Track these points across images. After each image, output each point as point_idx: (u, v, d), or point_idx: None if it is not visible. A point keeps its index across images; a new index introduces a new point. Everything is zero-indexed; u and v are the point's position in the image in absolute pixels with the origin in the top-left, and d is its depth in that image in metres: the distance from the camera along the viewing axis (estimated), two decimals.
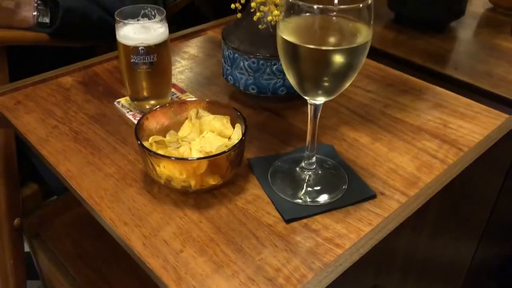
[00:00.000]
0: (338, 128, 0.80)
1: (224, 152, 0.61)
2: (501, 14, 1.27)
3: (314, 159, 0.68)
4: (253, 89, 0.82)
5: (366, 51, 0.56)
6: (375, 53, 0.99)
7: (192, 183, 0.63)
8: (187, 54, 1.04)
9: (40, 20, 1.03)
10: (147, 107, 0.82)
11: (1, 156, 0.96)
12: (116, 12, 0.76)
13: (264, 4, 0.55)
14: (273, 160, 0.72)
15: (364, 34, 0.55)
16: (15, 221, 1.02)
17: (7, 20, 0.99)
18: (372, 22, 0.55)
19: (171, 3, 1.81)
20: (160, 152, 0.65)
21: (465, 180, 0.75)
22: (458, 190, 0.77)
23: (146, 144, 0.65)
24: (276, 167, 0.71)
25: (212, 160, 0.62)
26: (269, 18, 0.55)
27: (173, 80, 0.92)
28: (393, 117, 0.83)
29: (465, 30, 1.20)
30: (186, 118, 0.72)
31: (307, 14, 0.54)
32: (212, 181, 0.64)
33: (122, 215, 0.63)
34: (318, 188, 0.67)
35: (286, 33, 0.55)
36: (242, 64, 0.81)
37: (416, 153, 0.75)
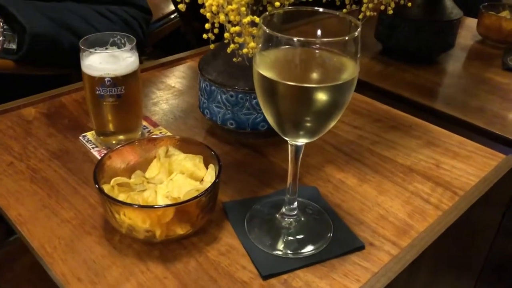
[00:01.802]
0: (322, 168, 0.74)
1: (193, 199, 0.54)
2: (490, 47, 1.23)
3: (295, 204, 0.61)
4: (231, 124, 0.76)
5: (353, 88, 0.51)
6: (362, 86, 0.93)
7: (157, 232, 0.56)
8: (163, 84, 0.97)
9: (6, 46, 0.96)
10: (114, 142, 0.75)
11: None
12: (81, 40, 0.69)
13: (239, 34, 0.49)
14: (251, 204, 0.65)
15: (350, 70, 0.49)
16: None
17: None
18: (359, 56, 0.49)
19: (155, 29, 1.76)
20: (122, 196, 0.58)
21: (460, 223, 0.68)
22: (453, 235, 0.70)
23: (106, 187, 0.58)
24: (253, 212, 0.64)
25: (180, 207, 0.54)
26: (245, 50, 0.49)
27: (146, 113, 0.86)
28: (381, 155, 0.77)
29: (455, 63, 1.16)
30: (153, 154, 0.65)
31: (287, 46, 0.48)
32: (180, 231, 0.57)
33: (76, 269, 0.55)
34: (300, 237, 0.60)
35: (264, 67, 0.49)
36: (219, 97, 0.75)
37: (408, 197, 0.68)
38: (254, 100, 0.73)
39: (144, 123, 0.82)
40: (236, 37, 0.49)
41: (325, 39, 0.47)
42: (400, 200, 0.68)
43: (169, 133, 0.80)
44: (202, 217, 0.58)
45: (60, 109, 0.87)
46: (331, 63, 0.49)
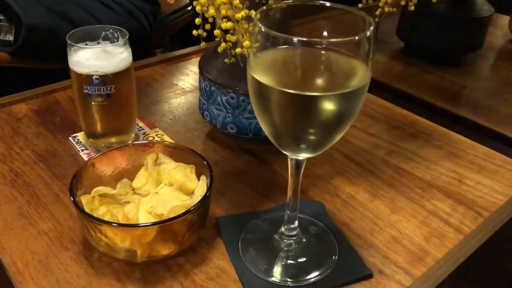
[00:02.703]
0: (330, 180, 0.66)
1: (178, 217, 0.48)
2: None
3: (296, 223, 0.54)
4: (231, 128, 0.69)
5: (363, 97, 0.43)
6: (379, 88, 0.86)
7: (138, 252, 0.49)
8: (165, 82, 0.91)
9: (2, 37, 0.92)
10: (103, 145, 0.69)
11: None
12: (68, 34, 0.63)
13: (229, 32, 0.42)
14: (247, 220, 0.59)
15: (360, 75, 0.42)
16: None
17: None
18: (371, 59, 0.42)
19: (171, 21, 1.70)
20: (102, 209, 0.52)
21: (485, 250, 0.61)
22: (476, 263, 0.62)
23: (85, 198, 0.52)
24: (249, 230, 0.57)
25: (163, 225, 0.48)
26: (238, 50, 0.42)
27: (144, 112, 0.80)
28: (398, 167, 0.69)
29: (483, 64, 1.06)
30: (141, 161, 0.59)
31: (287, 47, 0.41)
32: (164, 251, 0.50)
33: None
34: (301, 261, 0.54)
35: (259, 71, 0.42)
36: (219, 99, 0.68)
37: (425, 217, 0.61)
38: None
39: (140, 123, 0.76)
40: (228, 35, 0.42)
41: (331, 39, 0.40)
42: (416, 221, 0.60)
43: (165, 136, 0.74)
44: (189, 236, 0.51)
45: (53, 106, 0.81)
46: (339, 67, 0.42)
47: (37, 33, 0.91)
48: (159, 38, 1.58)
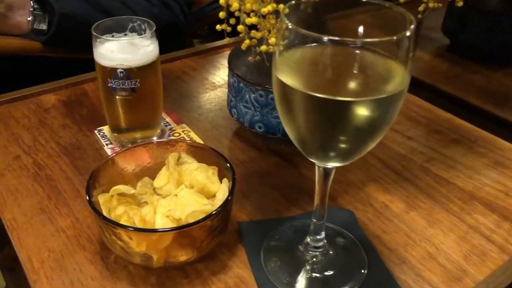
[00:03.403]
0: (363, 187, 0.62)
1: (196, 223, 0.45)
2: None
3: (322, 234, 0.51)
4: (259, 127, 0.66)
5: (401, 103, 0.39)
6: (421, 88, 0.80)
7: (154, 258, 0.47)
8: (196, 75, 0.89)
9: (35, 26, 0.91)
10: (127, 139, 0.67)
11: None
12: (94, 26, 0.62)
13: (256, 28, 0.38)
14: (271, 227, 0.55)
15: (398, 79, 0.38)
16: None
17: None
18: (411, 60, 0.37)
19: (210, 11, 1.68)
20: (120, 209, 0.50)
21: None
22: None
23: (103, 198, 0.50)
24: (273, 238, 0.54)
25: (181, 231, 0.46)
26: (263, 47, 0.38)
27: (172, 107, 0.77)
28: (437, 176, 0.64)
29: None
30: (164, 160, 0.56)
31: (316, 46, 0.37)
32: (181, 257, 0.48)
33: None
34: (327, 275, 0.50)
35: (285, 72, 0.38)
36: (247, 96, 0.65)
37: (465, 232, 0.56)
38: None
39: (167, 118, 0.74)
40: (253, 31, 0.39)
41: (367, 39, 0.36)
42: (455, 236, 0.55)
43: (192, 133, 0.71)
44: (208, 242, 0.49)
45: (81, 97, 0.80)
46: (374, 69, 0.38)
47: (69, 22, 0.90)
48: (197, 28, 1.56)
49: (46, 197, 0.59)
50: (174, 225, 0.47)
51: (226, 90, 0.83)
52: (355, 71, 0.38)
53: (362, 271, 0.50)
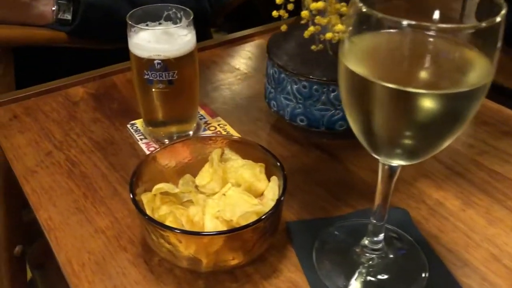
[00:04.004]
0: (415, 183, 0.59)
1: (250, 225, 0.42)
2: None
3: (381, 236, 0.47)
4: (301, 120, 0.62)
5: (482, 99, 0.35)
6: None
7: (203, 261, 0.44)
8: (226, 65, 0.85)
9: (60, 16, 0.88)
10: (163, 133, 0.64)
11: None
12: (128, 14, 0.58)
13: (321, 13, 0.35)
14: (322, 226, 0.52)
15: (481, 71, 0.34)
16: (16, 249, 0.88)
17: (20, 16, 0.85)
18: (497, 51, 0.34)
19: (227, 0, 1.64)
20: (164, 209, 0.47)
21: None
22: None
23: (146, 197, 0.47)
24: (325, 239, 0.51)
25: (232, 234, 0.43)
26: (328, 35, 0.35)
27: (204, 99, 0.74)
28: (491, 170, 0.61)
29: None
30: (206, 156, 0.53)
31: (391, 32, 0.33)
32: (231, 261, 0.45)
33: None
34: (385, 279, 0.47)
35: (354, 60, 0.35)
36: (289, 87, 0.61)
37: None
38: (333, 94, 0.59)
39: (201, 111, 0.71)
40: (318, 17, 0.35)
41: (448, 25, 0.32)
42: None
43: (228, 126, 0.68)
44: (260, 245, 0.46)
45: (111, 90, 0.77)
46: (455, 60, 0.34)
47: (95, 11, 0.87)
48: (216, 17, 1.52)
49: (82, 195, 0.57)
50: (225, 227, 0.44)
51: (259, 80, 0.80)
52: (433, 61, 0.35)
53: (423, 274, 0.47)
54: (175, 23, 0.61)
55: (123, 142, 0.66)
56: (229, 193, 0.48)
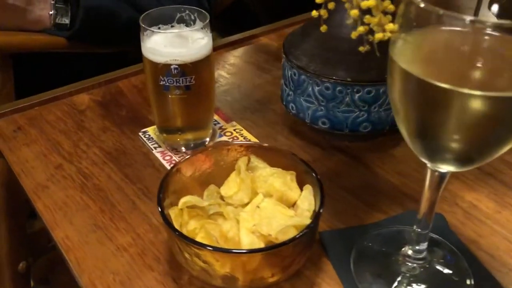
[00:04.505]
0: (446, 186, 0.56)
1: (291, 241, 0.40)
2: None
3: (425, 245, 0.45)
4: (324, 123, 0.60)
5: None
6: None
7: (240, 279, 0.41)
8: (233, 67, 0.82)
9: (58, 20, 0.84)
10: (179, 141, 0.61)
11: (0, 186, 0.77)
12: (141, 17, 0.55)
13: (369, 13, 0.32)
14: (356, 235, 0.50)
15: None
16: (20, 265, 0.84)
17: (16, 21, 0.81)
18: None
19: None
20: (193, 224, 0.45)
21: None
22: None
23: (173, 212, 0.44)
24: (361, 249, 0.48)
25: (272, 251, 0.40)
26: (378, 35, 0.32)
27: (216, 103, 0.71)
28: None
29: None
30: (230, 165, 0.51)
31: (450, 29, 0.31)
32: (269, 278, 0.42)
33: None
34: None
35: (408, 59, 0.32)
36: (311, 89, 0.59)
37: None
38: (357, 95, 0.57)
39: (215, 117, 0.68)
40: (367, 16, 0.33)
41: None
42: None
43: (244, 131, 0.65)
44: (299, 260, 0.43)
45: (117, 96, 0.74)
46: None
47: (95, 14, 0.83)
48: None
49: (99, 210, 0.54)
50: (262, 242, 0.42)
51: (272, 81, 0.78)
52: (491, 61, 0.33)
53: (468, 281, 0.45)
54: (188, 25, 0.58)
55: (136, 151, 0.62)
56: (263, 205, 0.45)
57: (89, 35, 0.85)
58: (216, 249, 0.40)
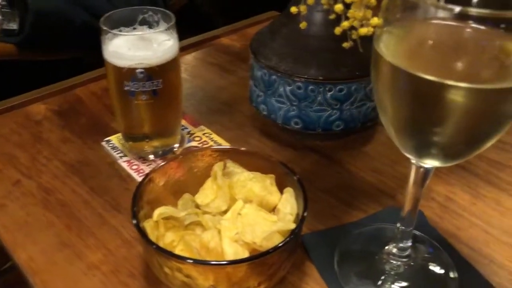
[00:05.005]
0: None
1: (278, 247, 0.38)
2: None
3: (410, 242, 0.44)
4: (296, 123, 0.59)
5: None
6: None
7: None
8: (195, 69, 0.80)
9: (5, 26, 0.79)
10: (147, 149, 0.58)
11: None
12: (102, 18, 0.52)
13: (348, 7, 0.31)
14: (338, 236, 0.49)
15: None
16: None
17: None
18: None
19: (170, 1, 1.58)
20: (170, 235, 0.42)
21: None
22: None
23: (148, 224, 0.42)
24: (344, 250, 0.47)
25: (258, 260, 0.38)
26: (363, 30, 0.31)
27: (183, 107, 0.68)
28: (491, 160, 0.60)
29: None
30: (204, 171, 0.48)
31: (428, 22, 0.30)
32: (255, 287, 0.40)
33: None
34: (415, 284, 0.44)
35: (394, 53, 0.32)
36: (282, 89, 0.57)
37: None
38: (330, 93, 0.56)
39: (183, 122, 0.65)
40: (351, 11, 0.31)
41: (503, 12, 0.30)
42: None
43: (214, 135, 0.63)
44: (285, 267, 0.41)
45: (76, 104, 0.70)
46: (501, 53, 0.31)
47: (46, 19, 0.78)
48: None
49: (65, 227, 0.50)
50: (246, 250, 0.40)
51: (237, 82, 0.76)
52: (477, 53, 0.32)
53: (452, 275, 0.45)
54: (151, 27, 0.56)
55: (100, 162, 0.59)
56: (245, 211, 0.43)
57: (40, 41, 0.80)
58: (199, 262, 0.38)
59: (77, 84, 0.73)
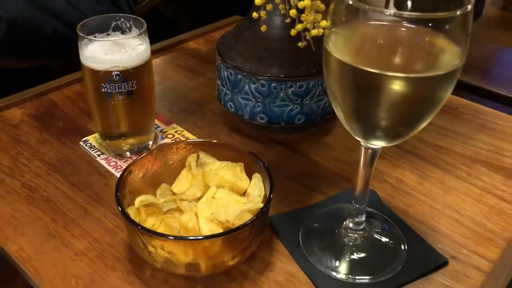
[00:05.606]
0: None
1: (248, 224, 0.43)
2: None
3: (363, 217, 0.50)
4: (262, 118, 0.64)
5: (454, 83, 0.39)
6: None
7: (202, 266, 0.44)
8: (165, 72, 0.84)
9: None
10: (123, 146, 0.62)
11: None
12: (78, 26, 0.56)
13: (302, 11, 0.37)
14: (302, 216, 0.54)
15: (453, 56, 0.38)
16: None
17: None
18: (468, 38, 0.38)
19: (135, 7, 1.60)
20: (151, 220, 0.47)
21: None
22: None
23: (131, 211, 0.46)
24: (308, 227, 0.53)
25: (231, 235, 0.43)
26: (314, 31, 0.37)
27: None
28: (436, 145, 0.67)
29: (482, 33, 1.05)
30: (179, 163, 0.53)
31: (370, 23, 0.36)
32: (229, 261, 0.45)
33: None
34: (373, 255, 0.50)
35: (339, 50, 0.37)
36: (247, 87, 0.63)
37: (479, 194, 0.59)
38: (291, 89, 0.61)
39: (156, 121, 0.69)
40: (303, 15, 0.37)
41: (427, 14, 0.36)
42: (471, 200, 0.58)
43: (186, 132, 0.68)
44: (255, 242, 0.47)
45: (51, 108, 0.73)
46: (430, 46, 0.38)
47: (18, 28, 0.81)
48: None
49: (50, 220, 0.54)
50: (221, 229, 0.45)
51: (206, 83, 0.81)
52: (410, 48, 0.38)
53: (402, 246, 0.51)
54: (124, 33, 0.60)
55: (79, 160, 0.63)
56: (218, 195, 0.48)
57: (13, 49, 0.83)
58: (179, 238, 0.43)
59: (51, 89, 0.76)
